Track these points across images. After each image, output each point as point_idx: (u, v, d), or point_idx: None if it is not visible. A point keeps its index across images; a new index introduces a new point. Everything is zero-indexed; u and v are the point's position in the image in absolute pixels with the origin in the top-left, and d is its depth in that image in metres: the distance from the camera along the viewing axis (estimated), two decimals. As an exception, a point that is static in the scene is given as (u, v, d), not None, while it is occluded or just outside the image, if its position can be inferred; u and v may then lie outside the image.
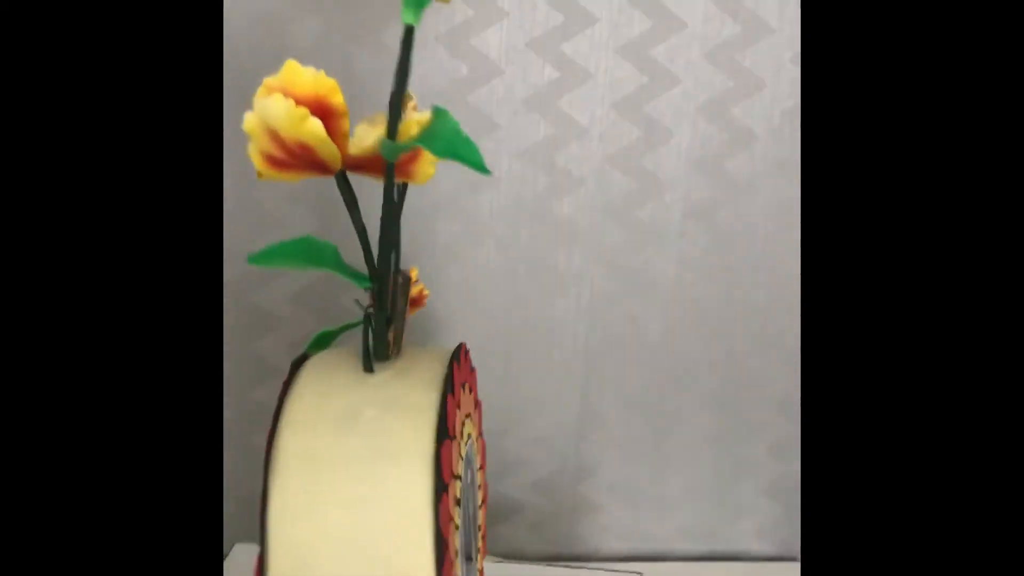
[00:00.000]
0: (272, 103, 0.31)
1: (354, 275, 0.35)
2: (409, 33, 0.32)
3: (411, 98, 0.35)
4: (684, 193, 0.53)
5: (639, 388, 0.58)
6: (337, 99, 0.32)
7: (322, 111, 0.32)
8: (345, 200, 0.35)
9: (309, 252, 0.34)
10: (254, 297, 0.54)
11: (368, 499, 0.33)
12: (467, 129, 0.51)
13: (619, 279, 0.55)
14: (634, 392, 0.58)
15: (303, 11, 0.50)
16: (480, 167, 0.29)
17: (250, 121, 0.32)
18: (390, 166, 0.33)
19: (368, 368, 0.40)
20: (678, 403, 0.58)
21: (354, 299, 0.45)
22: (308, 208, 0.52)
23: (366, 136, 0.34)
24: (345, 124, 0.33)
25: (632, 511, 0.60)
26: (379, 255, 0.35)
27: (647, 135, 0.52)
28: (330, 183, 0.52)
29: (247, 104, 0.50)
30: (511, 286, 0.54)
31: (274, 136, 0.32)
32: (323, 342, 0.41)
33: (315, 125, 0.31)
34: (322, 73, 0.32)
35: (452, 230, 0.53)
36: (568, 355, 0.57)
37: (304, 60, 0.50)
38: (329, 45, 0.50)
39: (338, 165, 0.33)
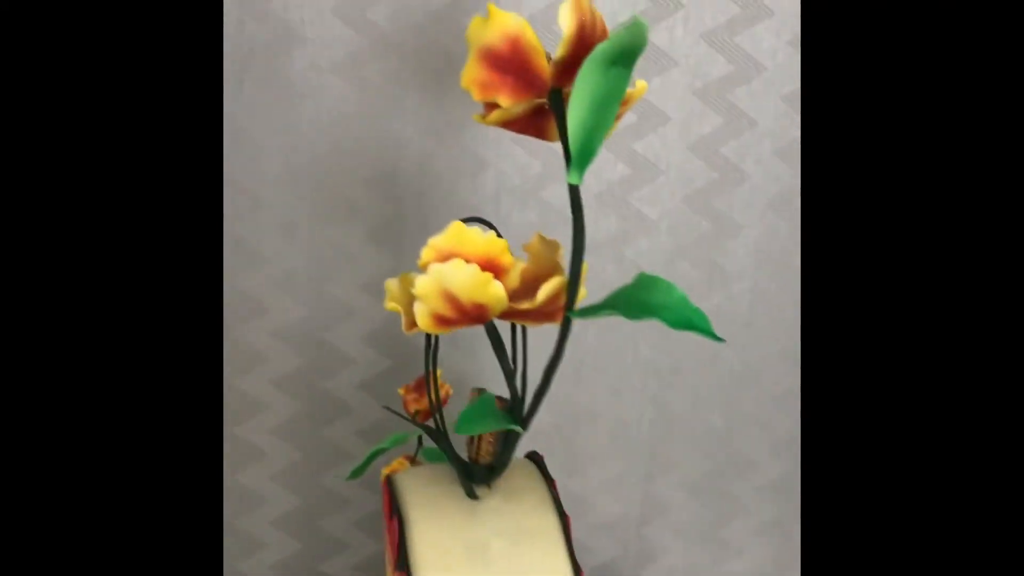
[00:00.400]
0: (454, 269, 0.31)
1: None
2: (575, 193, 0.32)
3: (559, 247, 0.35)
4: (751, 284, 0.54)
5: (703, 474, 0.59)
6: (507, 258, 0.32)
7: (493, 270, 0.32)
8: (493, 343, 0.35)
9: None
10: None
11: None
12: (545, 217, 0.51)
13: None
14: (696, 477, 0.59)
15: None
16: (712, 335, 0.29)
17: (424, 285, 0.31)
18: (567, 319, 0.33)
19: (471, 494, 0.40)
20: (739, 488, 0.59)
21: (385, 407, 0.45)
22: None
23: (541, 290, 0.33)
24: (512, 279, 0.33)
25: None
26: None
27: (716, 228, 0.53)
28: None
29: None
30: (575, 376, 0.55)
31: (450, 298, 0.32)
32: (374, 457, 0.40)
33: (499, 289, 0.31)
34: (492, 234, 0.32)
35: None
36: (632, 442, 0.57)
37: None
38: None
39: (498, 313, 0.33)
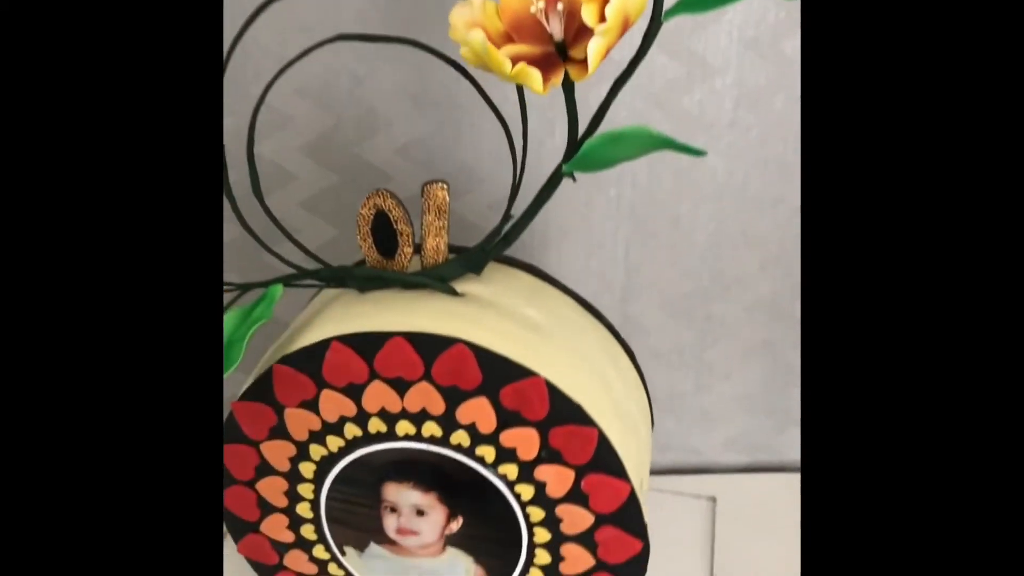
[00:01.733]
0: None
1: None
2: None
3: None
4: (736, 78, 0.48)
5: (682, 294, 0.54)
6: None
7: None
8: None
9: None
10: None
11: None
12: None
13: (663, 176, 0.51)
14: (677, 298, 0.54)
15: None
16: (690, 150, 0.28)
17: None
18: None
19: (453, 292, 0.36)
20: (724, 309, 0.55)
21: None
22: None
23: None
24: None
25: (676, 422, 0.58)
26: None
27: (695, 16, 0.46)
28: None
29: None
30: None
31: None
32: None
33: None
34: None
35: (484, 126, 0.48)
36: (606, 262, 0.53)
37: None
38: None
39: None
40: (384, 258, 0.38)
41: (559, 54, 0.32)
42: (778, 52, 0.47)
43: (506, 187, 0.51)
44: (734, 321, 0.55)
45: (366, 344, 0.36)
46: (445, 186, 0.37)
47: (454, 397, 0.36)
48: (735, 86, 0.48)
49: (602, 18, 0.30)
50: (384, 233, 0.38)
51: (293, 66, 0.47)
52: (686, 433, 0.59)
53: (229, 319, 0.37)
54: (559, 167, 0.35)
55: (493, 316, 0.37)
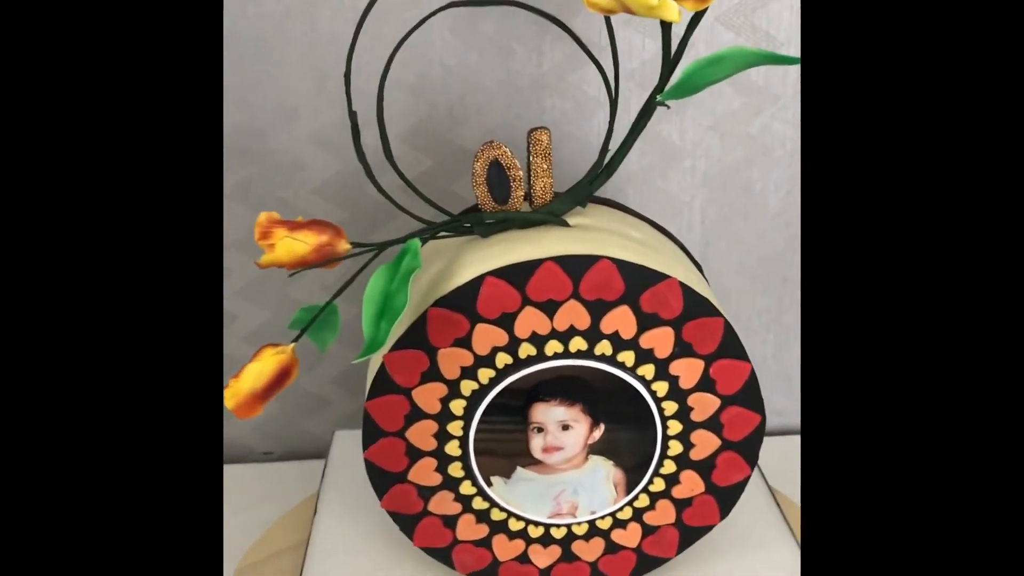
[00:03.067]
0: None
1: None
2: None
3: None
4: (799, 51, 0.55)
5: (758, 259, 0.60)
6: None
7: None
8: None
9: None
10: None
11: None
12: None
13: (735, 147, 0.56)
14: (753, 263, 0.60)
15: None
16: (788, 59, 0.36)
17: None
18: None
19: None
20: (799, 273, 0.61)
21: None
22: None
23: None
24: None
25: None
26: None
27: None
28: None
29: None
30: (628, 160, 0.55)
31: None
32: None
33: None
34: None
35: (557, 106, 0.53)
36: (684, 231, 0.58)
37: None
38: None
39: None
40: (498, 204, 0.42)
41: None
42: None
43: (583, 167, 0.55)
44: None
45: (518, 274, 0.39)
46: (547, 131, 0.42)
47: (599, 309, 0.40)
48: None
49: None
50: (496, 182, 0.42)
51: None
52: (768, 396, 0.63)
53: (379, 276, 0.40)
54: (652, 96, 0.41)
55: (612, 238, 0.42)
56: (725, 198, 0.59)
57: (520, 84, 0.54)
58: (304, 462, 0.64)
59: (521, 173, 0.42)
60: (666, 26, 0.39)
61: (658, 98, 0.40)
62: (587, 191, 0.43)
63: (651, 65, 0.54)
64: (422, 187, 0.54)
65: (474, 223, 0.42)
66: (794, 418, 0.65)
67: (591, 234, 0.42)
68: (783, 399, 0.63)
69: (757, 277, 0.60)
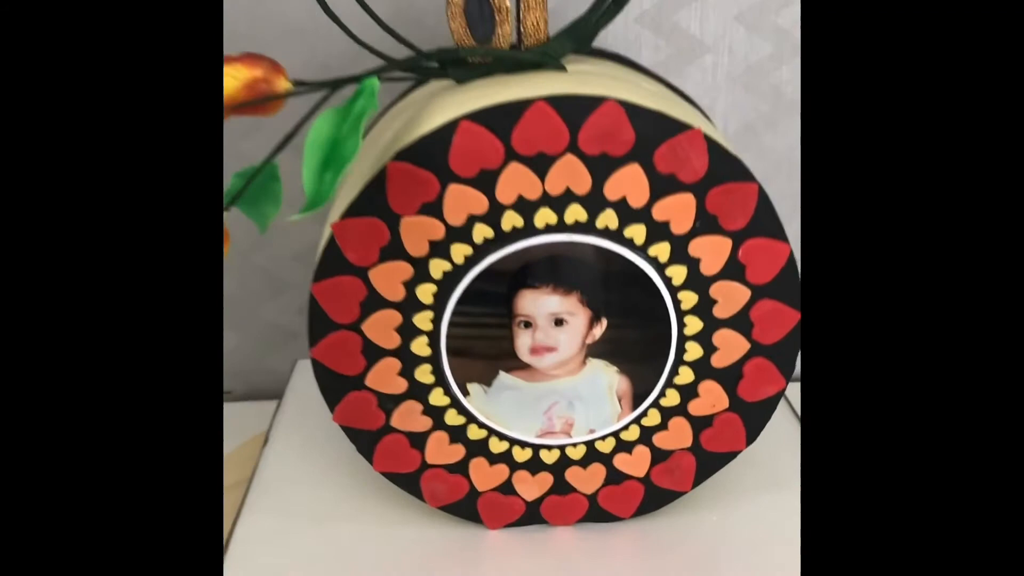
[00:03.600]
0: None
1: None
2: None
3: None
4: None
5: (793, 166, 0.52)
6: None
7: None
8: None
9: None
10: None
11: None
12: None
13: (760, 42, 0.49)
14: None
15: None
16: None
17: None
18: None
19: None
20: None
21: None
22: None
23: None
24: None
25: None
26: None
27: None
28: None
29: None
30: (637, 54, 0.47)
31: None
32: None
33: None
34: None
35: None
36: None
37: None
38: None
39: None
40: (480, 42, 0.34)
41: None
42: None
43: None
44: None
45: (502, 118, 0.31)
46: (542, -48, 0.34)
47: (602, 168, 0.32)
48: None
49: None
50: (477, 13, 0.34)
51: None
52: None
53: (325, 119, 0.32)
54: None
55: (620, 84, 0.34)
56: (751, 102, 0.51)
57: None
58: (266, 402, 0.56)
59: (508, 3, 0.34)
60: None
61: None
62: (591, 28, 0.34)
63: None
64: (396, 24, 0.47)
65: (448, 63, 0.34)
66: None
67: (595, 79, 0.34)
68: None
69: (786, 197, 0.52)
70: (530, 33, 0.34)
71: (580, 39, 0.35)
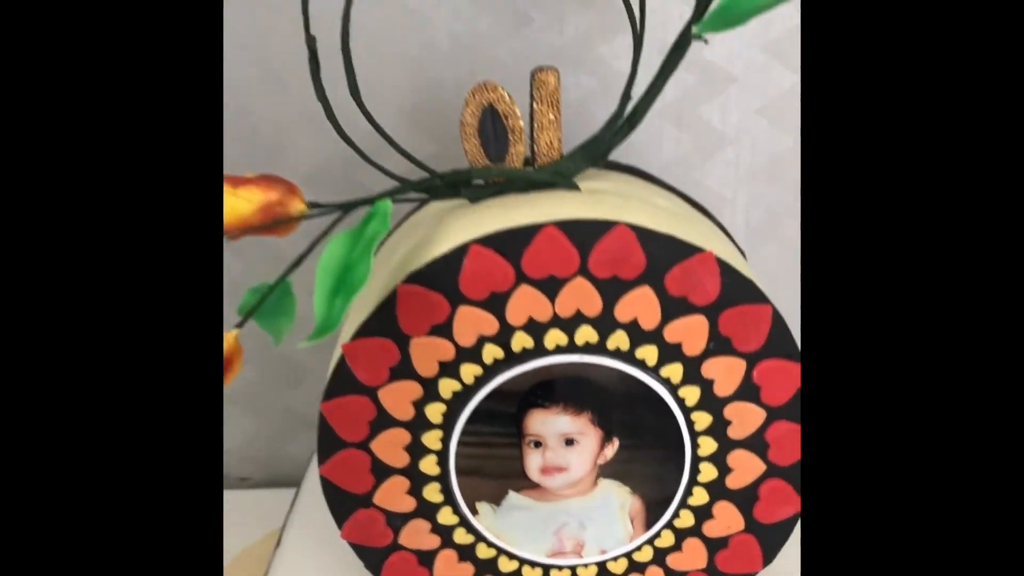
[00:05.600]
0: None
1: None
2: None
3: None
4: None
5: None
6: None
7: None
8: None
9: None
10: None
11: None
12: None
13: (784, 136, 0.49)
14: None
15: None
16: None
17: None
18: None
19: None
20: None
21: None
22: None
23: None
24: None
25: None
26: None
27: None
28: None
29: None
30: (659, 147, 0.47)
31: None
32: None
33: None
34: None
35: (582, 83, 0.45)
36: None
37: None
38: None
39: None
40: (493, 162, 0.34)
41: None
42: None
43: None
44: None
45: (512, 242, 0.31)
46: (555, 72, 0.34)
47: (613, 291, 0.32)
48: None
49: None
50: (491, 134, 0.34)
51: (390, 27, 0.45)
52: None
53: (337, 242, 0.32)
54: (687, 28, 0.33)
55: (633, 203, 0.34)
56: (774, 194, 0.51)
57: (538, 56, 0.47)
58: (283, 490, 0.56)
59: (522, 123, 0.34)
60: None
61: (695, 29, 0.32)
62: (605, 146, 0.35)
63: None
64: (422, 118, 0.47)
65: (461, 183, 0.34)
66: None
67: (607, 198, 0.34)
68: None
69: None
70: (543, 152, 0.35)
71: (594, 157, 0.35)
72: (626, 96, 0.34)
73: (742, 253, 0.39)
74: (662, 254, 0.31)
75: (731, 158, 0.51)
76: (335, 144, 0.39)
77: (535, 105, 0.34)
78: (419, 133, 0.47)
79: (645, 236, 0.31)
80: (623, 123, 0.34)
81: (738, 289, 0.32)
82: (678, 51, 0.33)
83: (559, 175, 0.34)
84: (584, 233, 0.31)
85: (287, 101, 0.47)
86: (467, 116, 0.34)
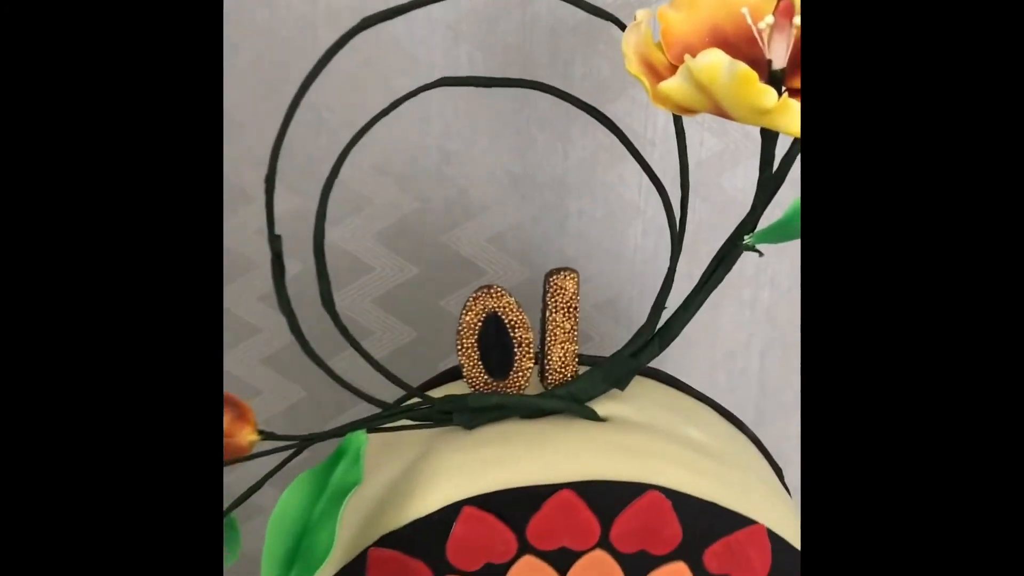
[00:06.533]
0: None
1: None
2: None
3: None
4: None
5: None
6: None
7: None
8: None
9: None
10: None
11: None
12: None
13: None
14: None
15: None
16: None
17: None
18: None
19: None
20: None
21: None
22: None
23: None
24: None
25: None
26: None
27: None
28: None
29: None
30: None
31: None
32: None
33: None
34: None
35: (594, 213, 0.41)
36: (737, 377, 0.44)
37: None
38: None
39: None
40: (494, 378, 0.28)
41: (774, 86, 0.24)
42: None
43: (615, 285, 0.42)
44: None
45: (516, 505, 0.25)
46: (575, 276, 0.28)
47: (640, 567, 0.26)
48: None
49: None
50: (493, 345, 0.28)
51: (372, 139, 0.39)
52: None
53: (295, 491, 0.25)
54: (736, 235, 0.27)
55: (668, 446, 0.27)
56: (793, 338, 0.45)
57: (539, 180, 0.41)
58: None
59: (531, 336, 0.28)
60: (770, 138, 0.25)
61: (746, 240, 0.26)
62: (629, 368, 0.28)
63: (710, 166, 0.41)
64: (400, 302, 0.42)
65: (455, 409, 0.27)
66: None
67: (634, 439, 0.27)
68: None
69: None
70: (555, 369, 0.28)
71: (616, 379, 0.29)
72: (658, 307, 0.28)
73: (779, 473, 0.33)
74: (703, 526, 0.25)
75: (747, 299, 0.45)
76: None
77: (548, 313, 0.28)
78: (400, 255, 0.42)
79: (682, 503, 0.25)
80: (652, 339, 0.28)
81: (790, 564, 0.26)
82: (724, 265, 0.27)
83: (573, 399, 0.28)
84: (608, 499, 0.25)
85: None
86: (465, 325, 0.27)
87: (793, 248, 0.43)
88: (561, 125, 0.41)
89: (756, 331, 0.46)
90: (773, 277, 0.45)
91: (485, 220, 0.41)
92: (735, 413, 0.42)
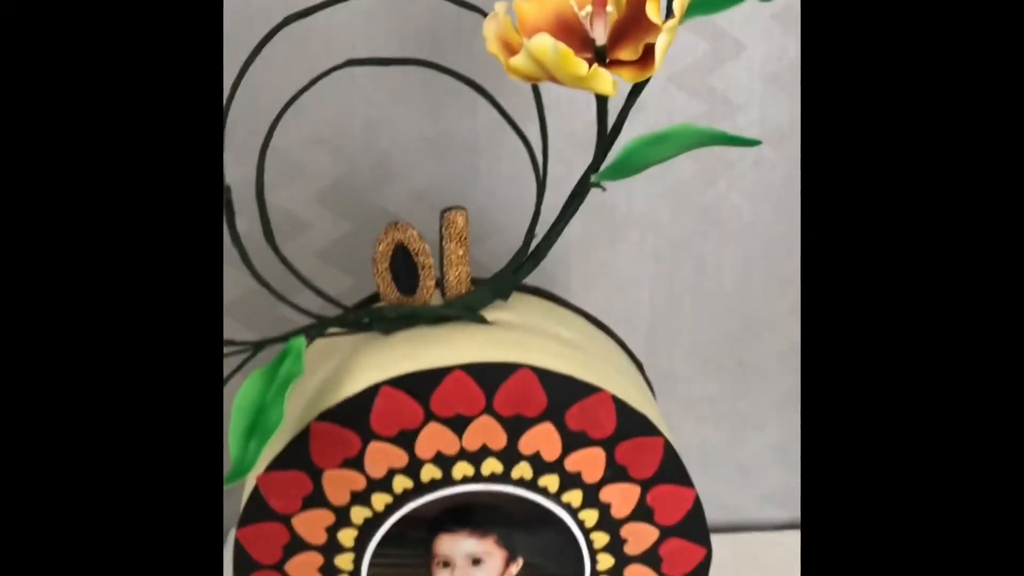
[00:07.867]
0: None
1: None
2: None
3: None
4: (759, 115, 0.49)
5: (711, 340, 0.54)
6: None
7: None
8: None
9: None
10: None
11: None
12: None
13: (687, 218, 0.51)
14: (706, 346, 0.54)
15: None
16: (746, 141, 0.31)
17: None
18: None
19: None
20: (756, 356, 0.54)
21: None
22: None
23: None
24: None
25: (708, 478, 0.56)
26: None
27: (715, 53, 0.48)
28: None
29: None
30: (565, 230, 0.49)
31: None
32: None
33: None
34: None
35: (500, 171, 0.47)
36: (630, 308, 0.52)
37: None
38: None
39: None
40: (404, 295, 0.36)
41: (598, 59, 0.32)
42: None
43: (519, 233, 0.49)
44: (767, 368, 0.54)
45: (421, 384, 0.33)
46: (464, 212, 0.36)
47: (517, 427, 0.34)
48: (758, 123, 0.49)
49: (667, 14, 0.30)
50: (402, 270, 0.36)
51: (305, 114, 0.46)
52: (720, 489, 0.56)
53: (252, 382, 0.33)
54: (585, 176, 0.35)
55: (538, 339, 0.36)
56: (676, 274, 0.53)
57: (451, 143, 0.48)
58: None
59: (431, 260, 0.35)
60: (601, 100, 0.33)
61: (592, 178, 0.34)
62: (509, 282, 0.36)
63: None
64: (339, 254, 0.49)
65: (373, 319, 0.35)
66: (750, 513, 0.58)
67: (512, 335, 0.35)
68: (738, 494, 0.57)
69: (710, 360, 0.54)
70: (452, 286, 0.36)
71: (500, 292, 0.37)
72: (530, 235, 0.36)
73: (640, 368, 0.41)
74: (562, 394, 0.34)
75: (635, 240, 0.53)
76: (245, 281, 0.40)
77: (444, 243, 0.36)
78: (335, 213, 0.48)
79: (546, 378, 0.33)
80: (527, 260, 0.36)
81: (633, 424, 0.34)
82: (576, 198, 0.35)
83: (466, 309, 0.36)
84: (489, 376, 0.33)
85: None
86: (378, 253, 0.35)
87: (673, 195, 0.51)
88: (469, 95, 0.48)
89: (644, 268, 0.53)
90: (656, 219, 0.52)
91: (406, 180, 0.49)
92: (629, 338, 0.50)
